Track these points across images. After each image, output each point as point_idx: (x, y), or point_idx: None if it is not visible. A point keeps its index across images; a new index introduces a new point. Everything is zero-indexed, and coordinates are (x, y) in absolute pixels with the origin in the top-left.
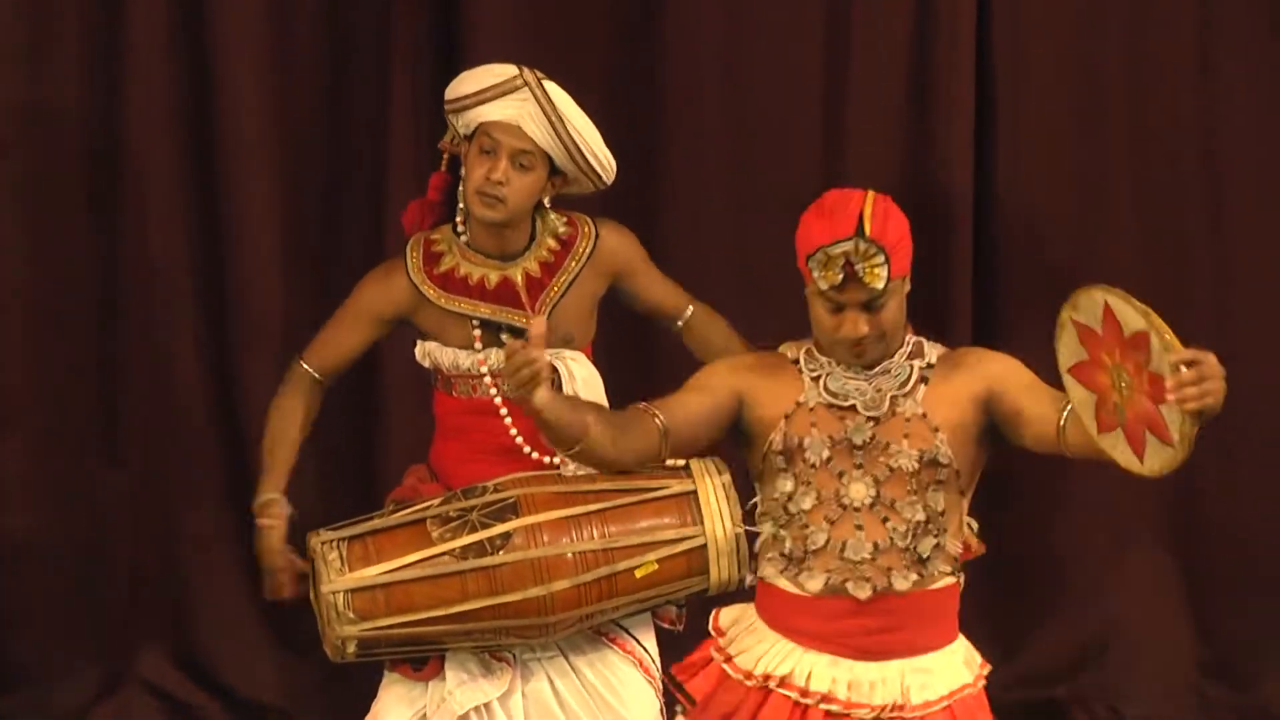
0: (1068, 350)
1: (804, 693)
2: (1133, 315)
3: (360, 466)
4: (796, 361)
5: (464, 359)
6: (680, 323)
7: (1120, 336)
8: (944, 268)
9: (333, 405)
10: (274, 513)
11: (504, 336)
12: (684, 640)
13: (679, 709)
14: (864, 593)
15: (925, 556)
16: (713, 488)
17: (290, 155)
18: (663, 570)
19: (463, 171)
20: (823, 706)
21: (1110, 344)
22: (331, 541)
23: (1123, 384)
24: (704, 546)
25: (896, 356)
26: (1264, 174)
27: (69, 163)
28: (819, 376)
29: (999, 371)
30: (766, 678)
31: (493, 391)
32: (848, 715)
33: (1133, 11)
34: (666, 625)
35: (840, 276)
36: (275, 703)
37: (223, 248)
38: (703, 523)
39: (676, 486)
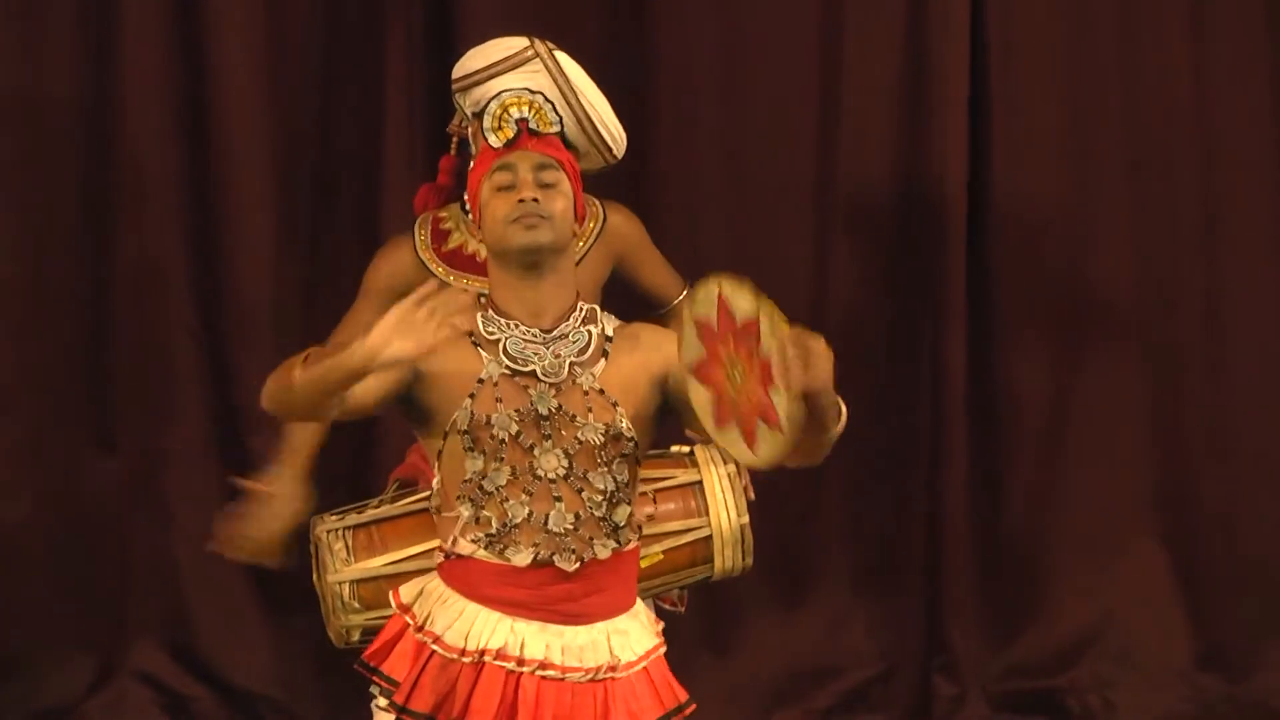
0: (690, 349)
1: (521, 661)
2: (744, 301)
3: (361, 445)
4: (471, 333)
5: None
6: (668, 308)
7: (734, 325)
8: (938, 265)
9: None
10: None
11: None
12: (685, 621)
13: (375, 691)
14: (570, 565)
15: (620, 525)
16: (718, 477)
17: (284, 143)
18: (668, 560)
19: (472, 150)
20: (539, 674)
21: (725, 335)
22: (336, 530)
23: (736, 374)
24: (709, 537)
25: (571, 320)
26: (1260, 172)
27: (62, 150)
28: (498, 340)
29: (675, 355)
30: (482, 652)
31: None
32: (563, 679)
33: (1126, 7)
34: (669, 607)
35: (514, 130)
36: (270, 693)
37: (216, 237)
38: (708, 513)
39: (682, 476)
